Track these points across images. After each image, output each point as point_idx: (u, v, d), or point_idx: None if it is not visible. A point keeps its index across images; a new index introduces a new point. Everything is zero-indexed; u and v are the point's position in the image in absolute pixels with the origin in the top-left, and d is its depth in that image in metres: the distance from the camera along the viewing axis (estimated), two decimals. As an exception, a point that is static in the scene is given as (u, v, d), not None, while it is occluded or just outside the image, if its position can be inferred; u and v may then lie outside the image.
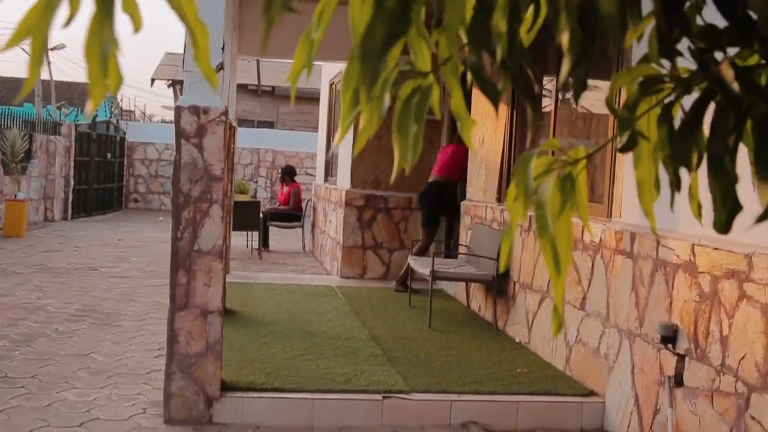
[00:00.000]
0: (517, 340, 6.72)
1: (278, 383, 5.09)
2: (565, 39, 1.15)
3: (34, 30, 0.99)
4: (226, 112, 4.78)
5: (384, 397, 5.00)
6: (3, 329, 6.95)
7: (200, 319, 4.76)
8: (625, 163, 5.13)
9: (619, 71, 1.22)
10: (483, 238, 7.73)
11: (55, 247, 13.39)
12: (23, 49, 1.17)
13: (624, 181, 5.17)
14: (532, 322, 6.49)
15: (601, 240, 5.33)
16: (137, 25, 1.07)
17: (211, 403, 4.80)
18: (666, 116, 1.28)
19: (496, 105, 1.24)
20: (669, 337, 4.35)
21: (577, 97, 1.25)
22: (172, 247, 4.74)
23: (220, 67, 4.76)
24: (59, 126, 19.28)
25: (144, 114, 39.47)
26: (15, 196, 15.16)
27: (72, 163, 19.48)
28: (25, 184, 16.40)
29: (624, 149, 1.22)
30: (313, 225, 14.00)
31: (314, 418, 4.89)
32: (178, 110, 4.73)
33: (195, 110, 4.73)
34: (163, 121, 39.20)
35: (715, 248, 4.02)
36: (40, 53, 1.01)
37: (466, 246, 8.33)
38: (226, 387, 4.92)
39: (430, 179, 9.20)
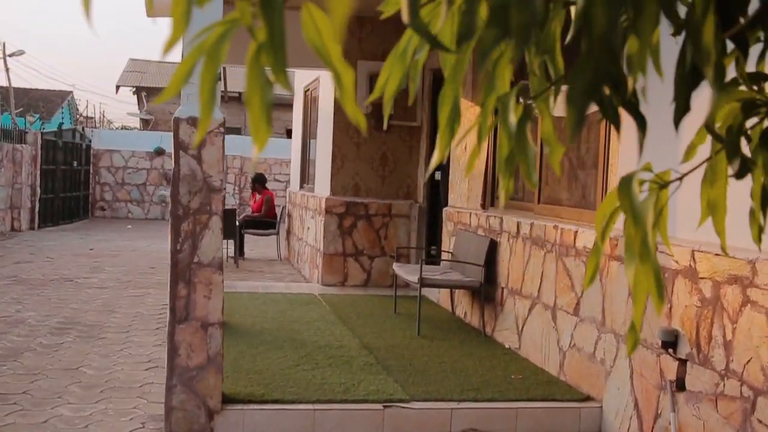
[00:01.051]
0: (507, 346, 6.76)
1: (277, 394, 5.07)
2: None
3: (206, 65, 0.99)
4: (224, 123, 4.75)
5: (385, 407, 5.01)
6: (-14, 344, 6.84)
7: (201, 331, 4.72)
8: (620, 167, 5.20)
9: (718, 95, 1.24)
10: (468, 245, 7.77)
11: (26, 257, 13.19)
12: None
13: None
14: (522, 327, 6.53)
15: (595, 245, 5.37)
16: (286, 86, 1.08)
17: (212, 416, 4.77)
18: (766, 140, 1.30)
19: (618, 128, 1.25)
20: (670, 342, 4.41)
21: (678, 122, 1.28)
22: (172, 259, 4.70)
23: (218, 78, 4.72)
24: (25, 134, 19.00)
25: (103, 119, 39.04)
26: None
27: (38, 172, 19.21)
28: (-9, 194, 16.14)
29: (739, 176, 1.24)
30: (288, 232, 13.96)
31: (316, 429, 4.88)
32: (176, 122, 4.69)
33: (193, 121, 4.70)
34: (124, 128, 38.85)
35: (716, 254, 4.09)
36: (211, 89, 1.02)
37: (450, 252, 8.36)
38: (226, 399, 4.88)
39: None
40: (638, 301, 1.25)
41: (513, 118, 1.25)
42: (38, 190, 19.13)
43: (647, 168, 1.44)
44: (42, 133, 19.68)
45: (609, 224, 1.34)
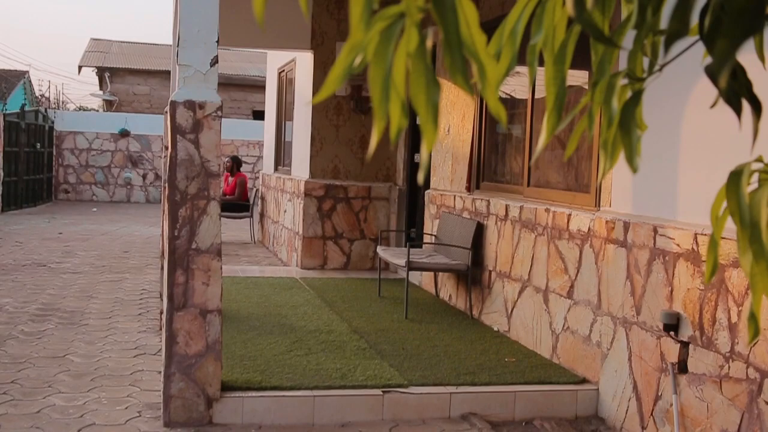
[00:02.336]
0: (495, 329, 6.78)
1: (275, 381, 5.02)
2: None
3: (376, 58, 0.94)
4: (221, 107, 4.66)
5: (384, 392, 4.98)
6: (-33, 332, 6.69)
7: (199, 318, 4.65)
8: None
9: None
10: (453, 228, 7.76)
11: (-6, 242, 12.93)
12: None
13: (614, 170, 5.24)
14: (512, 310, 6.55)
15: (589, 229, 5.40)
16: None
17: (211, 404, 4.71)
18: None
19: (739, 114, 1.21)
20: (672, 325, 4.44)
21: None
22: (170, 245, 4.61)
23: (215, 61, 4.64)
24: (-14, 116, 18.58)
25: (59, 100, 38.18)
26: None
27: (1, 155, 18.81)
28: (-46, 177, 15.78)
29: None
30: (262, 215, 13.85)
31: (315, 415, 4.84)
32: (173, 105, 4.59)
33: (191, 105, 4.60)
34: (82, 108, 38.07)
35: (721, 237, 4.10)
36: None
37: (433, 235, 8.35)
38: (224, 387, 4.82)
39: None
40: (756, 295, 1.23)
41: (616, 101, 1.21)
42: (1, 172, 18.74)
43: (759, 160, 1.41)
44: (4, 114, 19.26)
45: (722, 221, 1.30)
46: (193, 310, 4.64)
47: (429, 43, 0.99)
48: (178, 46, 4.62)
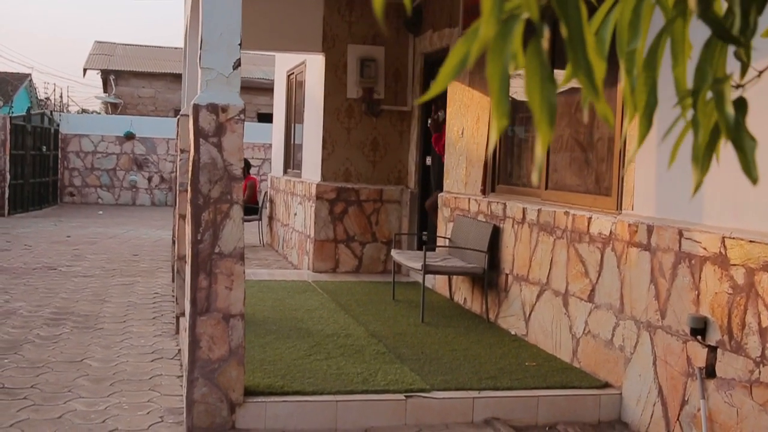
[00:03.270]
0: (513, 333, 6.74)
1: (297, 386, 4.99)
2: None
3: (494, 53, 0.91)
4: (244, 110, 4.64)
5: (407, 397, 4.95)
6: (-18, 336, 6.66)
7: (222, 323, 4.62)
8: (638, 154, 5.17)
9: None
10: (468, 231, 7.73)
11: (2, 245, 12.90)
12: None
13: (636, 173, 5.21)
14: (530, 314, 6.52)
15: (611, 232, 5.37)
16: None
17: (233, 410, 4.68)
18: None
19: None
20: (699, 329, 4.41)
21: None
22: (192, 249, 4.59)
23: (238, 64, 4.61)
24: (-7, 119, 18.57)
25: (61, 103, 38.10)
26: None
27: (7, 157, 18.80)
28: (-39, 180, 15.76)
29: None
30: (271, 217, 13.83)
31: (338, 420, 4.81)
32: (195, 108, 4.57)
33: (213, 108, 4.58)
34: (84, 111, 38.02)
35: (750, 241, 4.08)
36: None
37: (447, 238, 8.32)
38: (246, 392, 4.79)
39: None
40: None
41: (731, 109, 1.18)
42: (8, 175, 18.73)
43: None
44: (11, 117, 19.25)
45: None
46: (216, 315, 4.61)
47: (545, 41, 0.96)
48: (201, 48, 4.59)
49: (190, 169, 4.65)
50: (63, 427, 4.60)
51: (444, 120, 8.94)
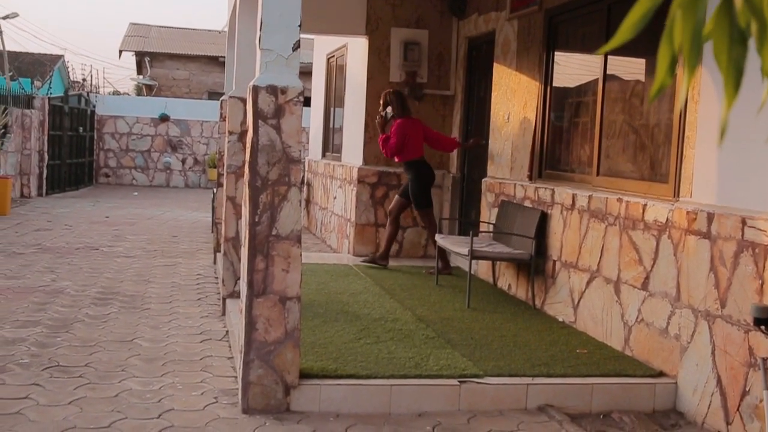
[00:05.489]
0: (560, 320, 6.69)
1: (350, 369, 4.99)
2: None
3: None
4: (303, 92, 4.61)
5: (460, 382, 4.93)
6: (33, 314, 6.73)
7: (279, 305, 4.62)
8: (698, 140, 5.09)
9: None
10: (514, 217, 7.68)
11: (44, 225, 13.03)
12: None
13: (695, 159, 5.13)
14: (579, 301, 6.46)
15: (668, 220, 5.29)
16: None
17: (288, 392, 4.68)
18: None
19: None
20: (763, 319, 4.33)
21: None
22: (250, 231, 4.58)
23: (297, 45, 4.59)
24: (32, 99, 18.73)
25: (91, 84, 38.33)
26: (-6, 172, 14.74)
27: (46, 138, 18.97)
28: (1, 160, 15.92)
29: None
30: (308, 201, 13.84)
31: (392, 405, 4.80)
32: (255, 90, 4.55)
33: (272, 90, 4.55)
34: (116, 93, 38.25)
35: None
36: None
37: (491, 224, 8.27)
38: (301, 374, 4.79)
39: (422, 158, 8.95)
40: None
41: None
42: (46, 156, 18.91)
43: None
44: (49, 98, 19.41)
45: None
46: (272, 297, 4.61)
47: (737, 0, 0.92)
48: (260, 30, 4.57)
49: (248, 150, 4.64)
50: (120, 405, 4.63)
51: (393, 117, 8.74)
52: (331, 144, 12.57)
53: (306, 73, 18.18)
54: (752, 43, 1.09)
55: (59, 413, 4.44)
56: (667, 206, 5.33)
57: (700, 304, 4.91)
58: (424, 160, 8.81)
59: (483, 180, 8.81)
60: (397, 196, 9.06)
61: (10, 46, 34.00)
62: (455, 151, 9.88)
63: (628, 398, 5.08)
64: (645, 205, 5.58)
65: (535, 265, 7.17)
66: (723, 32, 0.93)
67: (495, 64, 8.61)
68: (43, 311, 6.85)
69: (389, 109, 8.68)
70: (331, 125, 12.69)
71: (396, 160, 8.84)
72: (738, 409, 4.55)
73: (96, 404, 4.63)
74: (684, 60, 0.96)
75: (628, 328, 5.71)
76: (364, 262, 9.02)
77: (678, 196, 5.37)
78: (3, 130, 15.33)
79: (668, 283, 5.27)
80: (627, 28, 0.95)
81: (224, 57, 28.48)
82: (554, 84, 7.49)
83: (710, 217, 4.85)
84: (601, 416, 4.97)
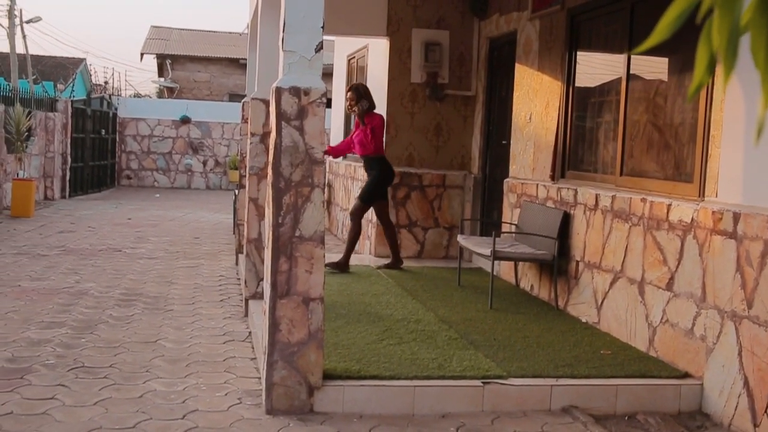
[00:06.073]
0: (583, 320, 6.66)
1: (373, 370, 4.98)
2: None
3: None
4: (326, 94, 4.62)
5: (484, 383, 4.92)
6: (58, 315, 6.78)
7: (302, 306, 4.63)
8: (724, 139, 5.04)
9: None
10: (536, 217, 7.65)
11: (68, 227, 13.13)
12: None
13: (721, 159, 5.08)
14: (602, 302, 6.42)
15: (693, 220, 5.25)
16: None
17: (312, 393, 4.69)
18: None
19: None
20: (790, 320, 4.29)
21: None
22: (273, 233, 4.59)
23: (320, 47, 4.59)
24: (55, 102, 18.88)
25: (112, 87, 38.64)
26: (17, 174, 14.87)
27: (69, 140, 19.12)
28: (25, 163, 16.06)
29: None
30: (329, 202, 13.86)
31: (415, 406, 4.79)
32: (278, 91, 4.56)
33: (295, 91, 4.56)
34: (137, 95, 38.52)
35: None
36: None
37: (513, 224, 8.24)
38: (324, 375, 4.80)
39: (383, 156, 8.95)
40: None
41: None
42: (69, 158, 19.06)
43: None
44: (72, 101, 19.56)
45: None
46: (296, 298, 4.62)
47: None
48: (283, 31, 4.58)
49: (272, 152, 4.65)
50: (145, 406, 4.65)
51: (367, 110, 8.73)
52: (352, 145, 12.57)
53: (327, 74, 18.27)
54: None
55: (85, 414, 4.47)
56: (692, 206, 5.29)
57: (726, 304, 4.87)
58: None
59: (505, 180, 8.79)
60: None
61: (33, 50, 34.35)
62: (477, 152, 9.86)
63: (653, 399, 5.04)
64: (669, 205, 5.54)
65: (558, 266, 7.14)
66: (760, 29, 0.92)
67: (516, 64, 8.59)
68: (67, 312, 6.90)
69: (364, 102, 8.71)
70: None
71: (360, 153, 8.85)
72: (766, 411, 4.50)
73: (121, 405, 4.65)
74: (721, 60, 0.95)
75: (653, 329, 5.67)
76: (379, 268, 9.00)
77: (703, 196, 5.33)
78: (27, 133, 15.47)
79: (693, 284, 5.22)
80: (663, 28, 0.94)
81: (245, 59, 28.58)
82: (576, 84, 7.46)
83: (736, 217, 4.81)
84: (626, 417, 4.94)
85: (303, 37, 4.56)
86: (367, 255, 10.33)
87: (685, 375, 5.22)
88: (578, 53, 7.45)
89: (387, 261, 9.14)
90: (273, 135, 4.63)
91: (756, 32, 0.92)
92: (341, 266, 8.63)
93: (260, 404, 4.76)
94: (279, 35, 4.81)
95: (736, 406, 4.75)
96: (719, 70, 1.13)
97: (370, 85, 10.95)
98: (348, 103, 8.86)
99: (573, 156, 7.51)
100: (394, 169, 9.01)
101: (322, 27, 4.59)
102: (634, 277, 5.94)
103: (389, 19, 9.80)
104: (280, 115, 4.55)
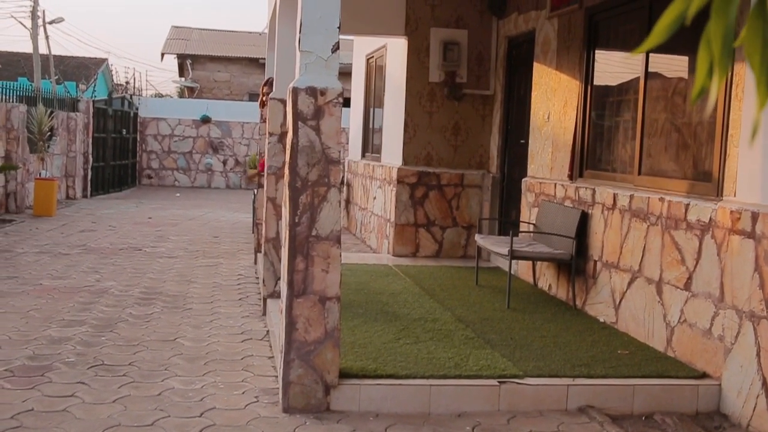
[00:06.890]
0: (601, 320, 6.64)
1: (390, 369, 5.00)
2: None
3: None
4: (342, 93, 4.64)
5: (500, 383, 4.92)
6: (78, 314, 6.84)
7: (318, 305, 4.65)
8: (742, 139, 5.01)
9: None
10: (554, 216, 7.63)
11: (89, 226, 13.25)
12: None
13: (739, 158, 5.06)
14: (620, 302, 6.40)
15: (711, 219, 5.23)
16: None
17: (328, 391, 4.71)
18: None
19: None
20: (809, 321, 4.26)
21: None
22: (290, 232, 4.62)
23: (336, 47, 4.61)
24: (77, 102, 19.04)
25: (134, 87, 38.84)
26: (39, 174, 15.01)
27: (90, 140, 19.28)
28: (47, 162, 16.21)
29: None
30: (348, 201, 13.89)
31: (431, 405, 4.80)
32: (295, 92, 4.59)
33: (312, 92, 4.59)
34: (159, 94, 38.73)
35: None
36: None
37: (531, 224, 8.23)
38: (341, 374, 4.82)
39: None
40: None
41: None
42: (90, 158, 19.21)
43: None
44: (93, 101, 19.72)
45: None
46: (312, 297, 4.64)
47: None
48: (299, 32, 4.60)
49: (288, 151, 4.68)
50: (163, 404, 4.69)
51: None
52: (370, 144, 12.61)
53: (345, 73, 18.26)
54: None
55: (104, 411, 4.52)
56: (710, 206, 5.27)
57: (745, 304, 4.84)
58: None
59: (523, 180, 8.78)
60: None
61: (56, 50, 34.58)
62: (495, 151, 9.85)
63: (670, 400, 5.02)
64: (687, 204, 5.52)
65: (576, 265, 7.13)
66: (756, 34, 0.92)
67: (535, 63, 8.57)
68: (88, 311, 6.97)
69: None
70: (370, 126, 12.72)
71: None
72: (784, 412, 4.47)
73: (140, 402, 4.70)
74: (715, 62, 0.96)
75: (671, 329, 5.65)
76: None
77: (721, 196, 5.30)
78: (49, 133, 15.61)
79: (711, 284, 5.20)
80: (659, 32, 0.95)
81: (264, 59, 28.72)
82: (595, 83, 7.43)
83: (755, 217, 4.78)
84: (643, 418, 4.92)
85: (319, 38, 4.58)
86: (385, 254, 10.35)
87: (703, 375, 5.19)
88: (596, 52, 7.43)
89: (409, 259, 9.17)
90: (290, 135, 4.66)
91: (751, 38, 0.93)
92: None
93: (277, 402, 4.79)
94: (296, 36, 4.82)
95: (755, 407, 4.72)
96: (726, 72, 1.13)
97: (388, 84, 10.97)
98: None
99: (591, 155, 7.49)
100: None
101: (339, 27, 4.60)
102: (652, 276, 5.92)
103: (407, 18, 9.81)
104: (297, 115, 4.58)
